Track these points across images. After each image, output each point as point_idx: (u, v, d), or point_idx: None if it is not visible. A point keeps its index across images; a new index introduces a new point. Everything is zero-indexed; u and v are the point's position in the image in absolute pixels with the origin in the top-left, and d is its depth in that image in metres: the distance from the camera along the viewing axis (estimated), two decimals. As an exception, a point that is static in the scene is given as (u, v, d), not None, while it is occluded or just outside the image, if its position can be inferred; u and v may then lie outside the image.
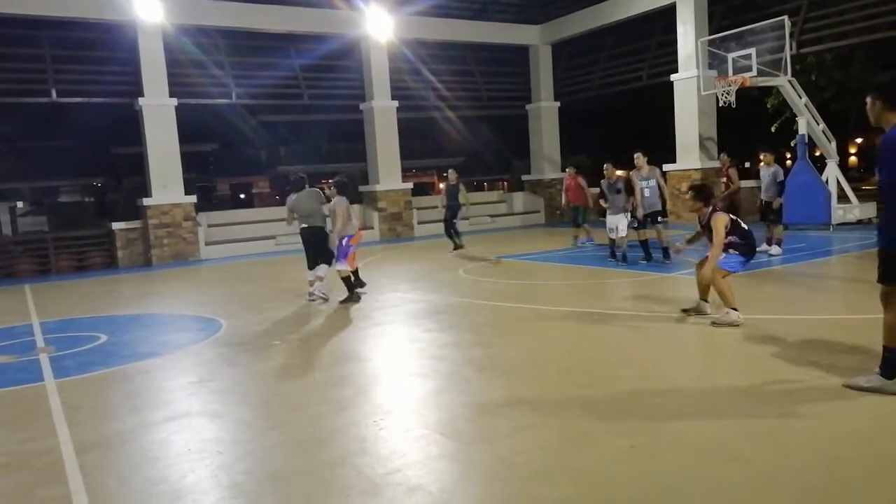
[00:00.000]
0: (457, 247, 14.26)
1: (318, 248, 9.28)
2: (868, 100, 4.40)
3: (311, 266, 9.33)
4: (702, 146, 17.12)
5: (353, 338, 7.01)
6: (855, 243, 11.96)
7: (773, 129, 20.81)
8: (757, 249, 7.05)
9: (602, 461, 3.55)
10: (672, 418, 4.07)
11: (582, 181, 14.21)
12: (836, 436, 3.69)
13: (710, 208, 6.71)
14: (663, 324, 6.76)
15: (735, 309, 6.38)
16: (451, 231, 14.51)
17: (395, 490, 3.35)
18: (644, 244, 10.82)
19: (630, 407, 4.33)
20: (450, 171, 15.02)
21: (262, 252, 16.99)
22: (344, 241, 8.88)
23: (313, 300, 9.14)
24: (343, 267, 8.86)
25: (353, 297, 8.89)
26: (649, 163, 10.94)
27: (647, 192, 10.75)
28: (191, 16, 16.28)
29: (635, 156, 10.93)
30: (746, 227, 6.73)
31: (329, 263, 9.18)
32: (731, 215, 6.77)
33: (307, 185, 9.46)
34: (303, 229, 9.33)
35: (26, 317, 9.45)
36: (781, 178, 10.91)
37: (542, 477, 3.41)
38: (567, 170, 14.76)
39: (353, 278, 9.10)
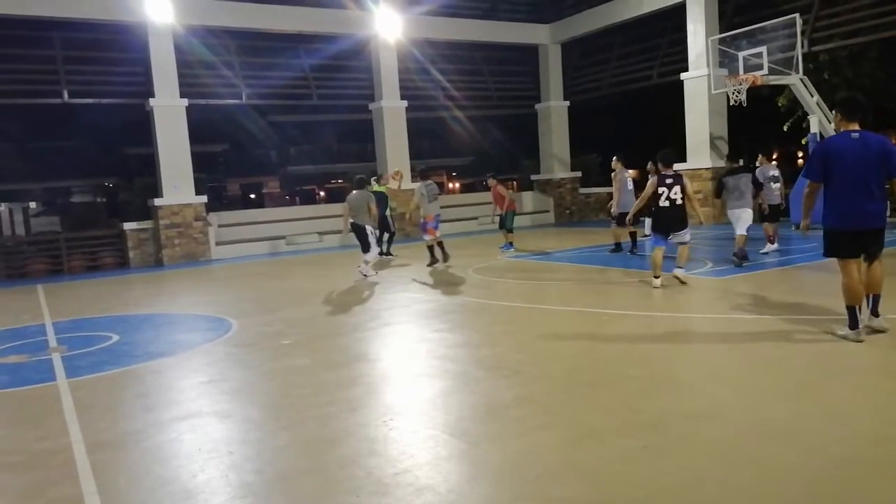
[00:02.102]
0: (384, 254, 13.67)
1: (362, 240, 10.74)
2: (833, 112, 5.59)
3: (365, 251, 10.83)
4: (712, 145, 17.03)
5: (363, 338, 7.03)
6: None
7: (784, 128, 20.67)
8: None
9: (612, 461, 3.54)
10: (682, 418, 4.05)
11: (502, 189, 13.82)
12: (849, 436, 3.66)
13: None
14: (672, 323, 6.73)
15: (656, 277, 8.26)
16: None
17: (405, 491, 3.35)
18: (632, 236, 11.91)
19: (640, 407, 4.31)
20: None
21: (273, 252, 17.06)
22: (422, 221, 11.82)
23: (367, 276, 10.74)
24: (427, 238, 11.78)
25: (434, 261, 11.75)
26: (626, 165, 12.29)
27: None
28: (201, 17, 16.36)
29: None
30: (662, 207, 8.21)
31: (368, 252, 10.81)
32: (661, 188, 8.20)
33: (366, 186, 11.04)
34: (352, 224, 10.74)
35: (39, 316, 9.52)
36: (758, 178, 10.67)
37: (551, 477, 3.40)
38: (489, 180, 14.06)
39: (435, 248, 11.84)
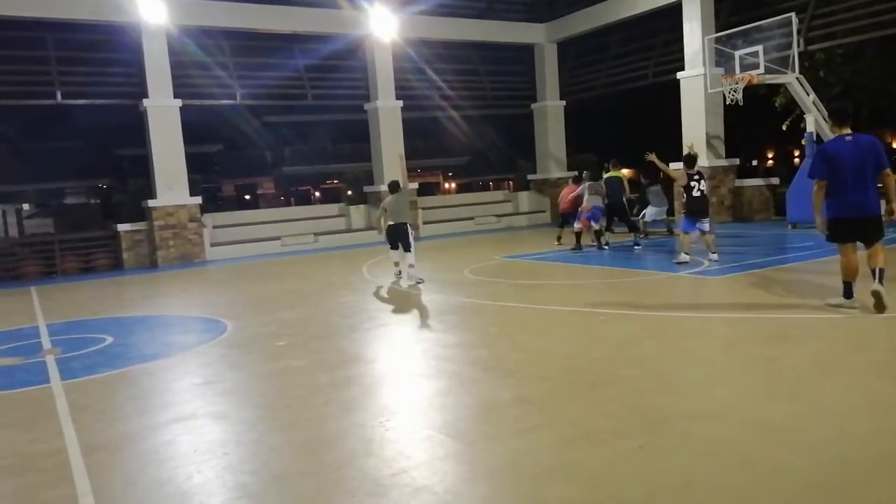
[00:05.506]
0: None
1: (402, 241, 10.45)
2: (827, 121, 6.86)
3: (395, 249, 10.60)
4: (709, 145, 17.04)
5: (359, 338, 7.01)
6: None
7: (784, 128, 20.72)
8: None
9: (609, 461, 3.53)
10: (679, 418, 4.05)
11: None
12: (843, 436, 3.66)
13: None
14: (668, 322, 6.73)
15: (685, 254, 9.90)
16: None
17: (401, 491, 3.33)
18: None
19: (636, 406, 4.30)
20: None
21: (268, 253, 17.01)
22: (578, 211, 13.10)
23: (419, 283, 10.14)
24: (577, 225, 13.02)
25: (579, 248, 12.82)
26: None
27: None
28: (194, 17, 16.31)
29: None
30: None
31: (409, 251, 10.39)
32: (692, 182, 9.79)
33: (400, 188, 10.62)
34: (389, 226, 10.51)
35: (32, 319, 9.47)
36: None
37: (548, 477, 3.39)
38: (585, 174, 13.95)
39: (583, 235, 13.02)
